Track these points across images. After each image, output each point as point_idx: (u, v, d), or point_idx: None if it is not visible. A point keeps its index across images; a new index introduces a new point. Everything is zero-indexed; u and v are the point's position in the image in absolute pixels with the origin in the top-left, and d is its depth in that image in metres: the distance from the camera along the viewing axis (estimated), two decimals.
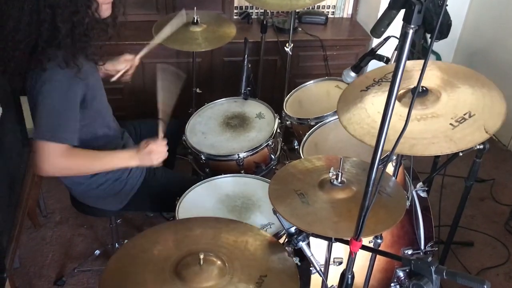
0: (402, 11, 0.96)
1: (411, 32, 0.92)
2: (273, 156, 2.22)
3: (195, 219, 1.57)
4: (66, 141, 1.60)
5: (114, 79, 2.04)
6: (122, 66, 2.07)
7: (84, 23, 1.60)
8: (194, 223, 1.52)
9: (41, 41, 1.56)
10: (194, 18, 2.42)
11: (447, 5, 2.88)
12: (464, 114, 1.44)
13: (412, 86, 1.55)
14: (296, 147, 2.15)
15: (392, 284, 1.93)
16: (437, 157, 2.28)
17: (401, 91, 1.55)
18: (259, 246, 1.42)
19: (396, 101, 1.05)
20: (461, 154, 1.75)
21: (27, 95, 1.64)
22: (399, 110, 1.48)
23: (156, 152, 1.74)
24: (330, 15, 3.17)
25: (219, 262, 1.32)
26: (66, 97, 1.60)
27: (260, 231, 1.52)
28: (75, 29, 1.58)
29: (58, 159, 1.60)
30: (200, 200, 1.87)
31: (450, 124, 1.41)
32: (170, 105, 1.84)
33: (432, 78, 1.58)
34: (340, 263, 1.65)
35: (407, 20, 0.92)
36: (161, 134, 1.78)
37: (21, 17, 1.53)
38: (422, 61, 1.68)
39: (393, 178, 1.61)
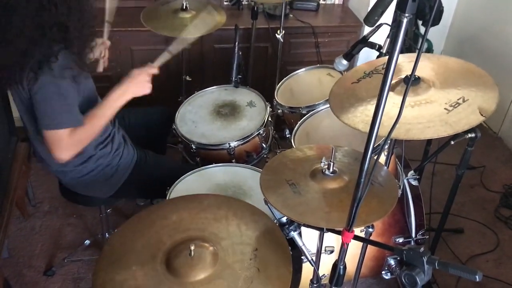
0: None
1: (405, 21, 0.90)
2: (264, 145, 2.20)
3: (166, 204, 1.53)
4: (67, 125, 1.61)
5: (99, 69, 2.04)
6: (97, 52, 2.04)
7: (91, 21, 1.64)
8: (166, 208, 1.46)
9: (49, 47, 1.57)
10: (183, 4, 2.38)
11: None
12: (458, 99, 1.43)
13: (403, 76, 1.54)
14: (287, 136, 2.14)
15: (383, 272, 1.95)
16: (428, 145, 2.28)
17: (393, 81, 1.54)
18: (241, 220, 1.39)
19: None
20: (452, 142, 1.75)
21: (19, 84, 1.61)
22: (391, 98, 1.47)
23: (138, 77, 1.78)
24: (321, 1, 3.13)
25: (210, 250, 1.28)
26: (61, 88, 1.59)
27: (232, 198, 1.48)
28: (83, 30, 1.62)
29: (66, 142, 1.62)
30: (190, 189, 1.85)
31: (445, 108, 1.41)
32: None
33: (423, 69, 1.57)
34: (332, 251, 1.66)
35: (401, 8, 0.90)
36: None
37: (23, 29, 1.51)
38: (411, 54, 1.68)
39: (385, 167, 1.60)
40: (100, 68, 2.02)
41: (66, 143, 1.62)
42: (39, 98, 1.58)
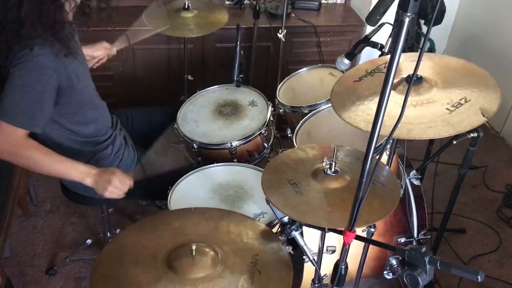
0: None
1: (407, 20, 0.89)
2: (266, 145, 2.20)
3: (169, 214, 1.56)
4: (24, 126, 1.52)
5: (90, 65, 2.02)
6: (100, 53, 2.04)
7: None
8: (169, 217, 1.48)
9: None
10: (185, 3, 2.38)
11: None
12: (460, 100, 1.43)
13: (405, 75, 1.53)
14: (289, 135, 2.14)
15: (385, 272, 1.94)
16: (430, 145, 2.28)
17: (395, 81, 1.53)
18: (242, 229, 1.41)
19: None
20: (455, 142, 1.75)
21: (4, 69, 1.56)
22: (393, 98, 1.47)
23: (114, 185, 1.61)
24: (323, 1, 3.13)
25: (212, 253, 1.29)
26: (39, 82, 1.53)
27: (236, 213, 1.50)
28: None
29: (9, 142, 1.51)
30: (192, 189, 1.85)
31: (447, 109, 1.40)
32: None
33: (424, 68, 1.57)
34: (333, 251, 1.65)
35: (403, 7, 0.90)
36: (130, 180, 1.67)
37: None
38: (413, 54, 1.68)
39: (387, 167, 1.60)
40: (91, 65, 2.03)
41: (9, 142, 1.51)
42: (14, 75, 1.49)
